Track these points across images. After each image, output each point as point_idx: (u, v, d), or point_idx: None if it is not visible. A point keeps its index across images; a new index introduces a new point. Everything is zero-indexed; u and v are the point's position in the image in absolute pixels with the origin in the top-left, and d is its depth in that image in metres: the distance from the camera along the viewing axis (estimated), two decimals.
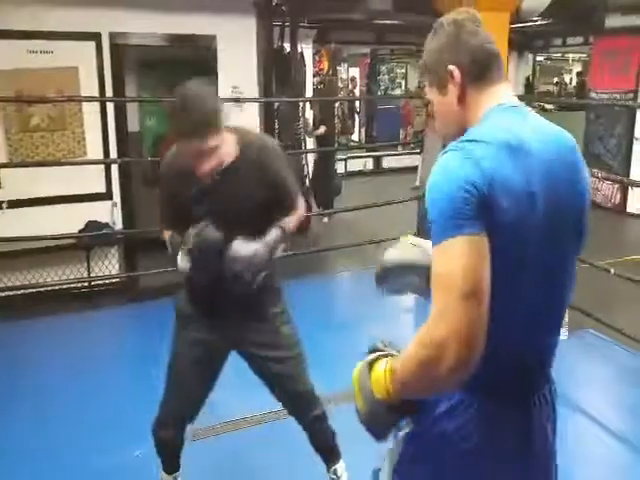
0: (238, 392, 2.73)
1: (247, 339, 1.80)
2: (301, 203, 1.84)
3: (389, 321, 3.51)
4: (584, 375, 3.01)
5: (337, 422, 1.95)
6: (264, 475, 2.21)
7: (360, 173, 9.20)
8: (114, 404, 2.56)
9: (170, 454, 1.90)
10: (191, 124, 1.50)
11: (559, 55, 11.77)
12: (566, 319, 3.26)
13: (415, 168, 7.35)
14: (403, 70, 11.18)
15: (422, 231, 4.17)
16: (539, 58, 11.00)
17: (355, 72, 11.02)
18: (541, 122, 1.06)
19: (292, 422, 1.94)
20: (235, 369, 3.04)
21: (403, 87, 11.15)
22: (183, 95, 1.57)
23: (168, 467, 1.93)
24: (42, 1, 3.70)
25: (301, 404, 1.89)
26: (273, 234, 1.67)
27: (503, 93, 1.05)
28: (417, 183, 6.62)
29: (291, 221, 1.76)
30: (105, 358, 3.06)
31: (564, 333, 3.28)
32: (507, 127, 0.97)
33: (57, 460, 2.21)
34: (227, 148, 1.62)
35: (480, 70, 1.03)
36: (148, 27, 4.07)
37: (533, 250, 0.95)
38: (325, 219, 6.18)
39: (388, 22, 6.82)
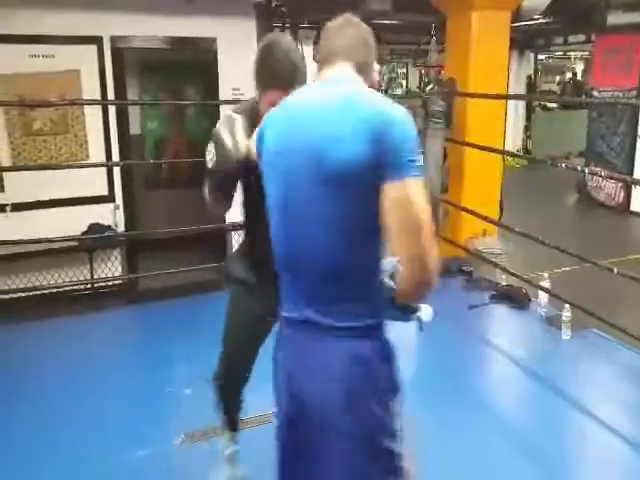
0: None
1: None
2: None
3: None
4: (587, 375, 3.00)
5: None
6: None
7: None
8: (116, 405, 2.57)
9: (231, 406, 1.97)
10: (278, 73, 1.55)
11: (561, 53, 11.75)
12: (569, 318, 3.26)
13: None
14: (404, 70, 11.17)
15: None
16: (541, 57, 10.98)
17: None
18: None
19: None
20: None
21: (404, 87, 11.14)
22: (272, 44, 1.60)
23: (231, 423, 2.00)
24: (43, 5, 3.71)
25: None
26: None
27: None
28: None
29: None
30: (107, 359, 3.07)
31: (567, 333, 3.28)
32: None
33: (57, 460, 2.22)
34: None
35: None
36: (149, 30, 4.08)
37: None
38: None
39: (388, 22, 6.82)
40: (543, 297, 3.60)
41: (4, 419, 2.46)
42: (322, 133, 1.10)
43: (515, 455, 2.32)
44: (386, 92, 10.88)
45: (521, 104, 9.92)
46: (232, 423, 2.02)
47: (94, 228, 4.06)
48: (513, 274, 3.84)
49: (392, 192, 1.06)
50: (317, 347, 1.15)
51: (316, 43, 7.51)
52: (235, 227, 4.29)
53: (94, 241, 4.01)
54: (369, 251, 1.14)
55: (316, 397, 1.15)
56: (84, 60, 3.93)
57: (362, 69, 1.26)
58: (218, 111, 4.47)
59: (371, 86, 1.25)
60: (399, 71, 11.22)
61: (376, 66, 1.32)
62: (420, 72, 10.90)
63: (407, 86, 11.12)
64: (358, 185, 1.07)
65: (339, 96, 1.14)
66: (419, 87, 10.26)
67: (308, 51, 6.87)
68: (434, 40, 6.47)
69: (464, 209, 4.29)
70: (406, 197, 1.06)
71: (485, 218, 4.16)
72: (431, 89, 4.66)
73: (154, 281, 4.16)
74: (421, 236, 1.06)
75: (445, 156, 4.38)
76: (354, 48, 1.26)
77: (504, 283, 3.95)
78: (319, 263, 1.14)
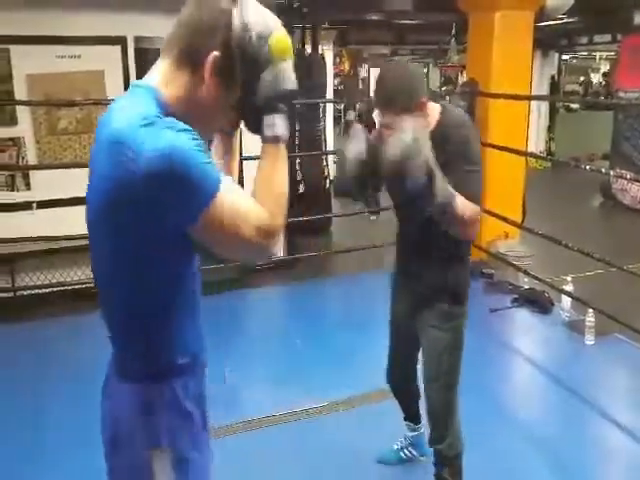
0: (264, 389, 2.80)
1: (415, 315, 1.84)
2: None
3: None
4: (611, 381, 2.95)
5: (360, 423, 1.94)
6: (277, 476, 2.21)
7: None
8: None
9: (402, 402, 2.10)
10: (377, 97, 1.63)
11: (586, 54, 11.54)
12: (592, 323, 3.20)
13: None
14: (425, 69, 11.10)
15: None
16: (565, 57, 10.80)
17: (377, 72, 10.99)
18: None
19: (311, 424, 1.94)
20: (264, 364, 3.08)
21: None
22: (385, 68, 1.73)
23: (405, 414, 2.14)
24: (69, 7, 3.77)
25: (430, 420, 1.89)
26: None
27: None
28: None
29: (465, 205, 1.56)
30: None
31: (590, 338, 3.22)
32: None
33: (87, 450, 2.25)
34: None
35: None
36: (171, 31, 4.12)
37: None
38: (372, 217, 6.09)
39: (408, 22, 6.79)
40: (566, 301, 3.55)
41: (49, 409, 2.50)
42: None
43: (537, 461, 2.29)
44: None
45: (544, 105, 9.78)
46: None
47: None
48: (535, 277, 3.79)
49: None
50: None
51: (335, 43, 7.51)
52: None
53: None
54: None
55: None
56: (108, 60, 3.99)
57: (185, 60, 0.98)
58: None
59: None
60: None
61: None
62: (441, 72, 10.83)
63: (428, 85, 11.06)
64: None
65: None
66: (440, 87, 10.18)
67: (328, 52, 6.88)
68: (454, 40, 6.43)
69: (486, 211, 4.23)
70: None
71: (507, 220, 4.11)
72: (448, 89, 4.62)
73: None
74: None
75: None
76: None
77: (526, 286, 3.90)
78: None
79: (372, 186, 1.83)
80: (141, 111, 0.92)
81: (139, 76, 4.46)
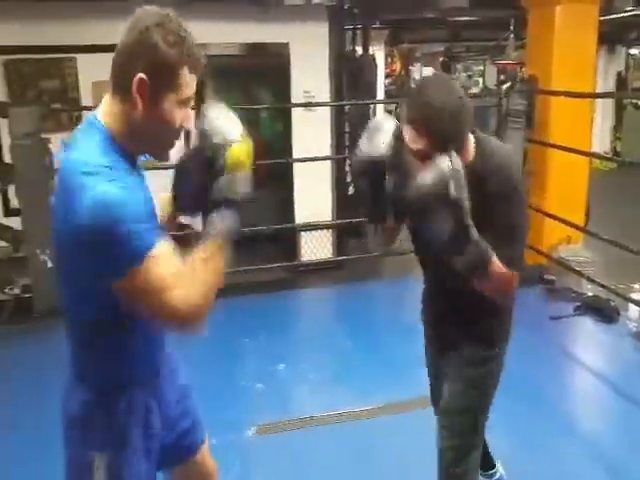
0: (310, 389, 2.82)
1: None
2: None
3: None
4: None
5: (404, 428, 1.89)
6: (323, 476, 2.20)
7: None
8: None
9: None
10: (417, 113, 1.33)
11: None
12: None
13: None
14: (480, 67, 10.81)
15: None
16: (633, 51, 10.22)
17: (430, 71, 10.81)
18: None
19: (359, 425, 1.91)
20: (312, 365, 3.08)
21: (480, 84, 10.78)
22: (420, 84, 1.46)
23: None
24: (129, 16, 3.91)
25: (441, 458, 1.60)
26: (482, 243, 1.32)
27: None
28: None
29: (496, 265, 1.34)
30: (184, 350, 3.07)
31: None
32: None
33: None
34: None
35: None
36: (225, 37, 4.20)
37: None
38: None
39: (464, 19, 6.62)
40: (634, 310, 3.35)
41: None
42: None
43: (598, 475, 2.19)
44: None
45: (609, 102, 9.30)
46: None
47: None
48: (600, 284, 3.58)
49: None
50: None
51: (387, 43, 7.43)
52: (303, 228, 4.34)
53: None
54: None
55: None
56: None
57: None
58: (290, 114, 4.52)
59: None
60: (475, 69, 10.87)
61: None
62: (498, 69, 10.50)
63: (484, 84, 10.76)
64: None
65: None
66: (496, 85, 9.87)
67: (379, 52, 6.81)
68: (512, 36, 6.20)
69: (547, 214, 4.05)
70: None
71: (570, 224, 3.91)
72: (508, 87, 4.45)
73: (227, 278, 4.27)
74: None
75: (525, 158, 4.18)
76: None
77: (590, 294, 3.70)
78: None
79: (394, 211, 1.49)
80: (85, 156, 0.98)
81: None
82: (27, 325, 3.30)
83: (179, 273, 0.99)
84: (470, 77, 10.91)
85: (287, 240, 4.54)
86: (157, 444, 1.18)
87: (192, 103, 1.08)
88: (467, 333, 1.56)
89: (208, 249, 1.05)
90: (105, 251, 0.93)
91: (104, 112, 1.03)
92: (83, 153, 0.98)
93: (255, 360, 3.09)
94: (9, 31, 3.71)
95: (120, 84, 1.00)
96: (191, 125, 1.08)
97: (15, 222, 3.34)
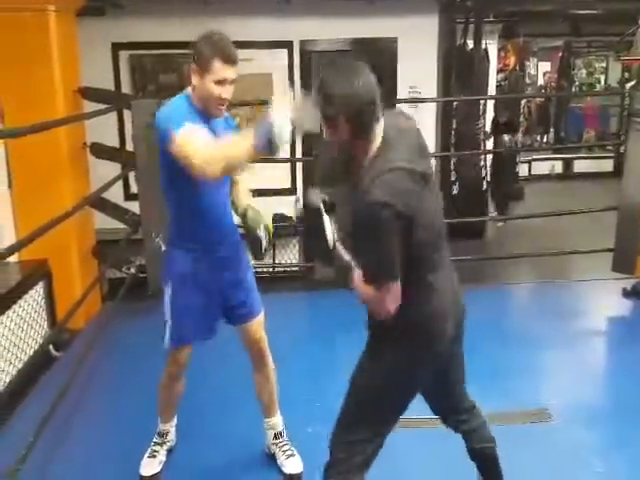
0: None
1: None
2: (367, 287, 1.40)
3: (572, 342, 3.14)
4: None
5: (508, 442, 1.81)
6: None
7: (547, 177, 8.52)
8: (292, 383, 2.49)
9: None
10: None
11: None
12: None
13: (610, 174, 6.52)
14: (603, 64, 10.00)
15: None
16: None
17: (546, 66, 10.18)
18: None
19: (448, 434, 1.84)
20: None
21: (602, 82, 9.97)
22: (327, 71, 1.44)
23: None
24: (245, 14, 4.14)
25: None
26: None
27: None
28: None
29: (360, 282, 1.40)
30: (284, 335, 2.94)
31: None
32: None
33: (240, 426, 2.44)
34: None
35: None
36: (334, 33, 4.30)
37: None
38: (499, 223, 5.84)
39: (587, 12, 6.18)
40: None
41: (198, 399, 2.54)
42: None
43: None
44: (581, 88, 9.86)
45: None
46: None
47: (277, 218, 4.42)
48: None
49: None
50: None
51: (501, 36, 7.12)
52: None
53: (276, 230, 4.37)
54: None
55: None
56: (276, 63, 4.30)
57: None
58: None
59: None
60: (597, 65, 10.07)
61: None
62: (623, 66, 9.65)
63: (606, 82, 9.94)
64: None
65: None
66: (619, 83, 9.09)
67: (492, 46, 6.56)
68: (639, 31, 5.69)
69: None
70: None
71: None
72: (634, 85, 4.10)
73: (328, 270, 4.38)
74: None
75: None
76: None
77: None
78: None
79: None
80: (171, 101, 1.80)
81: (303, 77, 4.77)
82: (141, 303, 3.33)
83: (202, 143, 1.57)
84: (591, 74, 10.13)
85: None
86: (204, 291, 1.87)
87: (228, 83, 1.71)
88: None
89: (242, 137, 1.58)
90: (164, 135, 1.66)
91: (191, 87, 1.76)
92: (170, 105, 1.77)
93: (347, 350, 2.97)
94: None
95: (190, 68, 1.74)
96: (228, 97, 1.71)
97: (134, 206, 3.53)
